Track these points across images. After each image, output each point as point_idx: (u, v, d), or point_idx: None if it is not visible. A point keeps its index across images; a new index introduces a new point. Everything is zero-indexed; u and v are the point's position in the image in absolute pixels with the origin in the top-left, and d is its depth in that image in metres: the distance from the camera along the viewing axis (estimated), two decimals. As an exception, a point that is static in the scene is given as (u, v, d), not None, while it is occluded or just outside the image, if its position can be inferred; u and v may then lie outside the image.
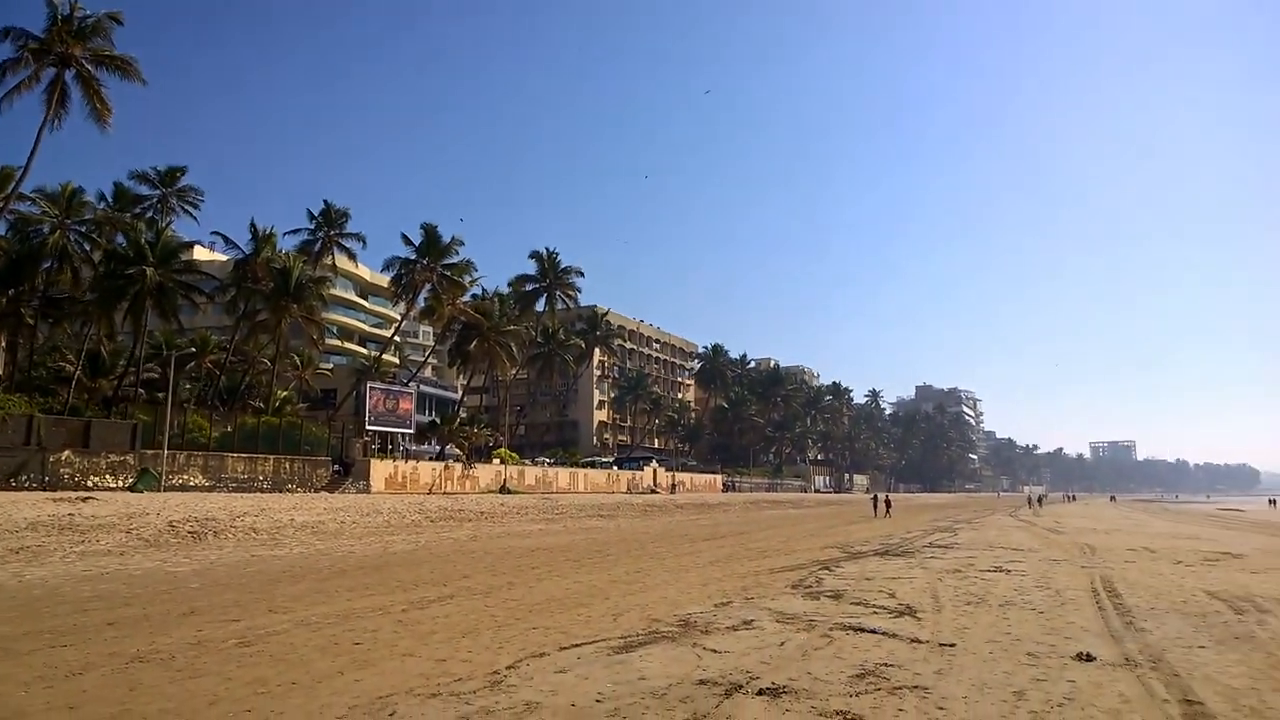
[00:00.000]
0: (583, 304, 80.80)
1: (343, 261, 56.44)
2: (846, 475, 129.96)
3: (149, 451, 33.12)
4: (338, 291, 69.39)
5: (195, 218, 49.46)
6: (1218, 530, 33.77)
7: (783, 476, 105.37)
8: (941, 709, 5.76)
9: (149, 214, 46.04)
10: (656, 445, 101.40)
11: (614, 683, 6.42)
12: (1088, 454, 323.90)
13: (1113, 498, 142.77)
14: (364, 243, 55.13)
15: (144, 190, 46.64)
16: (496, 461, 55.37)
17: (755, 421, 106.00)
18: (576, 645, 7.91)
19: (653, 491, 65.65)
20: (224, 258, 52.59)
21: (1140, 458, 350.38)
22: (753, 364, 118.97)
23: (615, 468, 70.76)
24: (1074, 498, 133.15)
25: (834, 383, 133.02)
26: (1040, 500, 77.83)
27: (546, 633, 8.61)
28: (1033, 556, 18.73)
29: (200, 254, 58.89)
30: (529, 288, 69.91)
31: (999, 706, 5.84)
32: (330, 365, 67.15)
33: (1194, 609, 10.64)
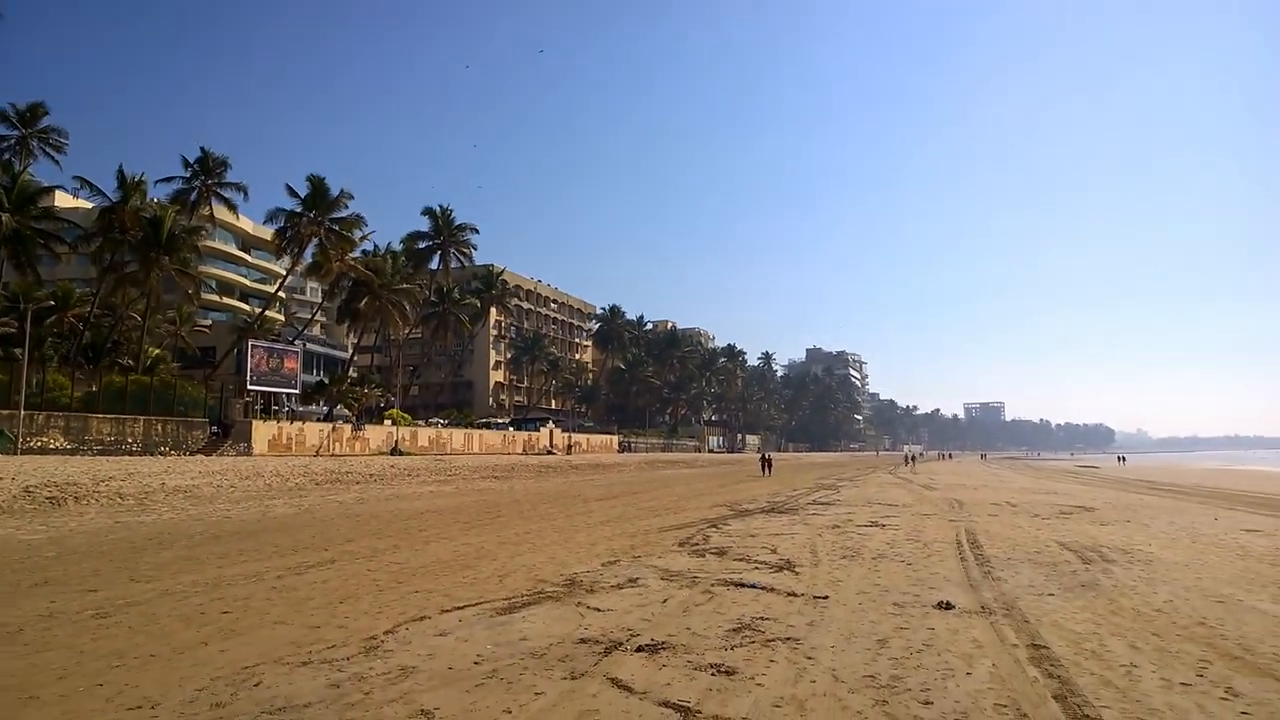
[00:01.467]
0: (479, 263, 79.47)
1: (222, 213, 53.74)
2: (739, 436, 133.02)
3: (3, 412, 30.97)
4: (216, 244, 65.99)
5: (58, 161, 46.13)
6: (1074, 485, 36.24)
7: (678, 437, 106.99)
8: (810, 658, 6.03)
9: (5, 156, 42.59)
10: (553, 406, 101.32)
11: (494, 644, 6.45)
12: (962, 415, 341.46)
13: (983, 456, 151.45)
14: (245, 194, 52.51)
15: (0, 130, 43.06)
16: (388, 423, 54.21)
17: (652, 383, 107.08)
18: (459, 608, 7.89)
19: (549, 452, 65.67)
20: (90, 205, 49.07)
21: (1008, 418, 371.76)
22: (650, 326, 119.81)
23: (511, 429, 70.32)
24: (949, 456, 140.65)
25: (729, 345, 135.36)
26: (914, 459, 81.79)
27: (429, 596, 8.55)
28: (906, 512, 19.67)
29: (62, 200, 54.74)
30: (422, 245, 68.17)
31: (863, 655, 6.15)
32: (209, 322, 64.05)
33: (1046, 559, 11.42)
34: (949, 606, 7.93)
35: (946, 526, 16.02)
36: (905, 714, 4.84)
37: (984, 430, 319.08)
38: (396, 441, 50.51)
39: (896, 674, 5.63)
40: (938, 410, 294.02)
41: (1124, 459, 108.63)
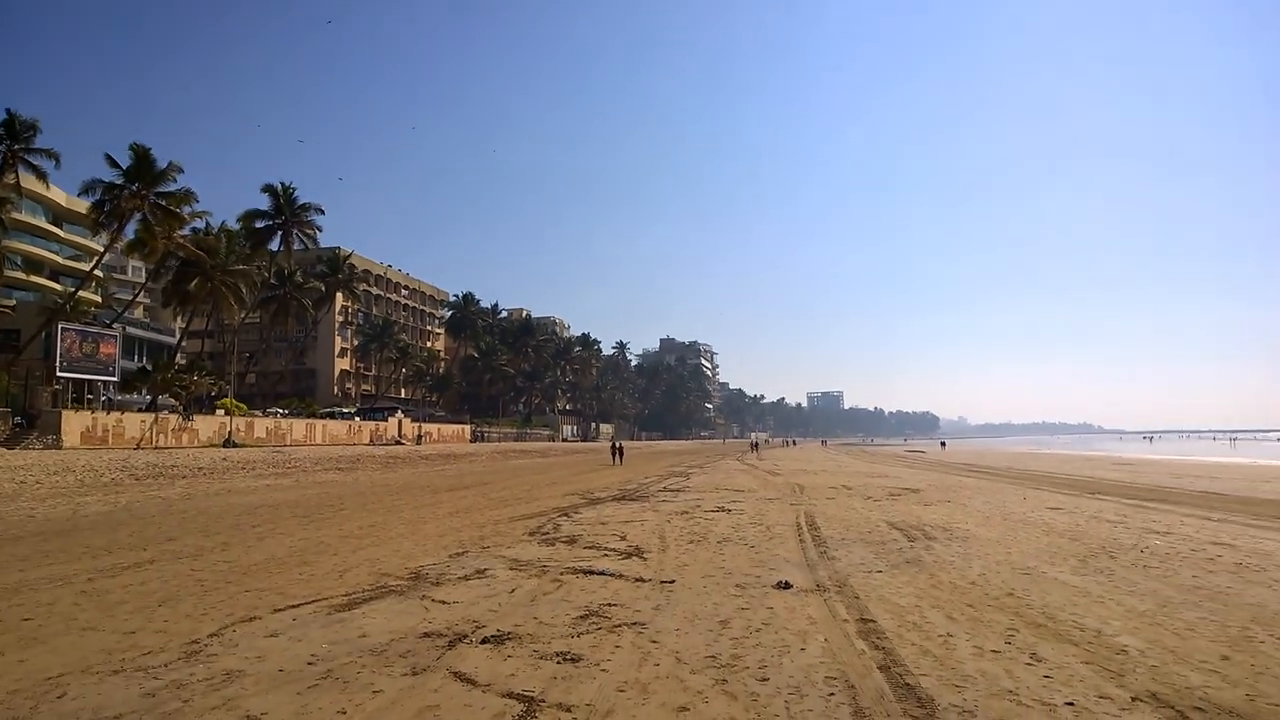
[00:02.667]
0: (325, 245, 75.98)
1: (30, 182, 48.71)
2: (594, 424, 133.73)
3: None
4: (23, 216, 59.84)
5: None
6: (903, 469, 38.61)
7: (532, 426, 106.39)
8: (655, 642, 6.15)
9: None
10: (403, 395, 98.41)
11: (330, 643, 6.20)
12: (805, 403, 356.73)
13: (824, 442, 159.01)
14: (58, 161, 47.73)
15: None
16: (221, 413, 50.99)
17: (506, 371, 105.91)
18: (294, 606, 7.53)
19: (397, 443, 63.74)
20: None
21: (847, 406, 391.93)
22: (505, 314, 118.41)
23: (357, 418, 67.73)
24: (793, 442, 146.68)
25: (584, 334, 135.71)
26: (757, 446, 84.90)
27: (260, 595, 8.12)
28: (751, 497, 20.37)
29: None
30: (261, 224, 64.43)
31: (705, 636, 6.33)
32: (13, 302, 58.13)
33: (876, 539, 12.11)
34: (787, 586, 8.28)
35: (788, 510, 16.69)
36: (743, 691, 5.02)
37: (825, 418, 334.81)
38: (230, 433, 47.65)
39: (736, 653, 5.84)
40: (783, 399, 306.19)
41: (945, 444, 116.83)
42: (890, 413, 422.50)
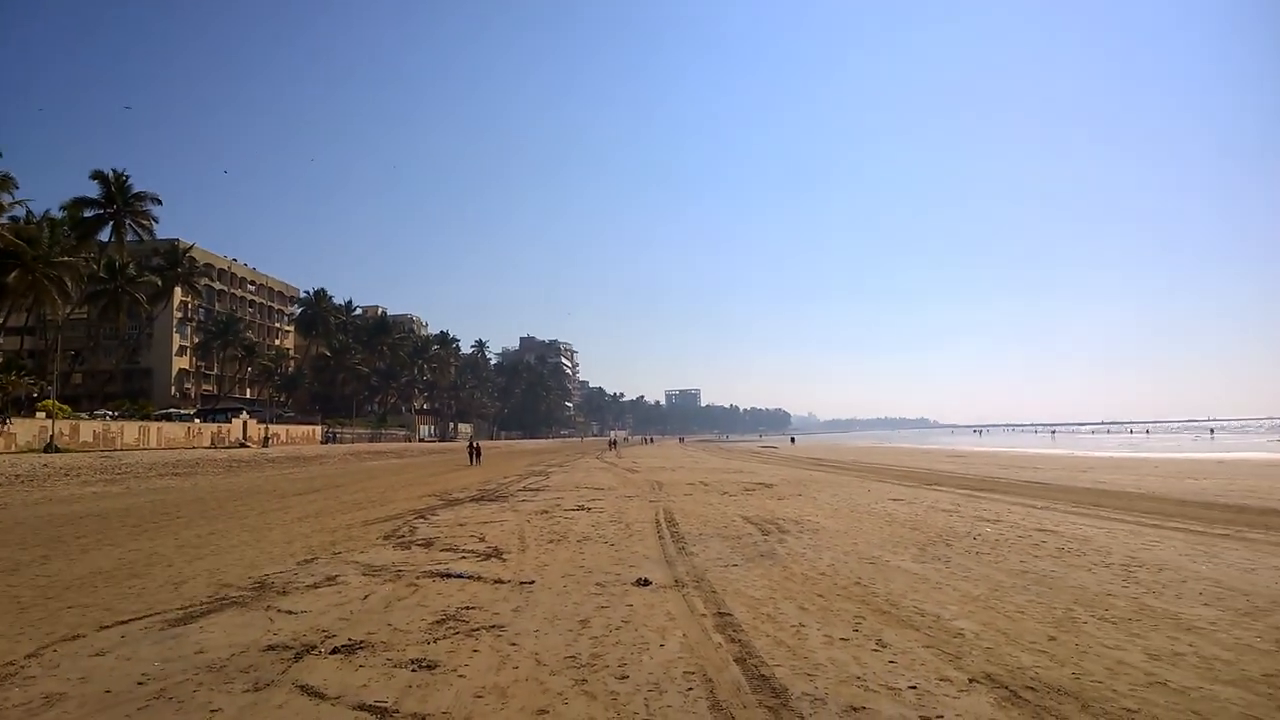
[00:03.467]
0: (163, 237, 70.90)
1: None
2: (452, 424, 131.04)
3: None
4: None
5: None
6: (757, 465, 39.81)
7: (387, 426, 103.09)
8: (514, 644, 6.04)
9: None
10: (249, 395, 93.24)
11: (164, 660, 5.76)
12: (663, 401, 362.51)
13: (681, 439, 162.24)
14: None
15: None
16: (41, 415, 46.71)
17: (360, 370, 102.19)
18: (123, 622, 6.95)
19: (242, 445, 60.34)
20: None
21: (704, 404, 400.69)
22: (359, 311, 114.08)
23: (197, 420, 63.61)
24: (651, 440, 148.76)
25: (442, 332, 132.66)
26: (615, 444, 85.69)
27: (85, 611, 7.45)
28: (611, 495, 20.46)
29: None
30: (90, 213, 59.48)
31: (565, 636, 6.28)
32: None
33: (732, 533, 12.40)
34: (647, 583, 8.34)
35: (647, 507, 16.86)
36: (603, 690, 5.00)
37: (683, 415, 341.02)
38: (52, 436, 43.71)
39: (597, 652, 5.81)
40: (642, 397, 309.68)
41: (795, 439, 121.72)
42: (745, 410, 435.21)
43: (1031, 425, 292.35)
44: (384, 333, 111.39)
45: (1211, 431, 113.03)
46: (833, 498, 18.53)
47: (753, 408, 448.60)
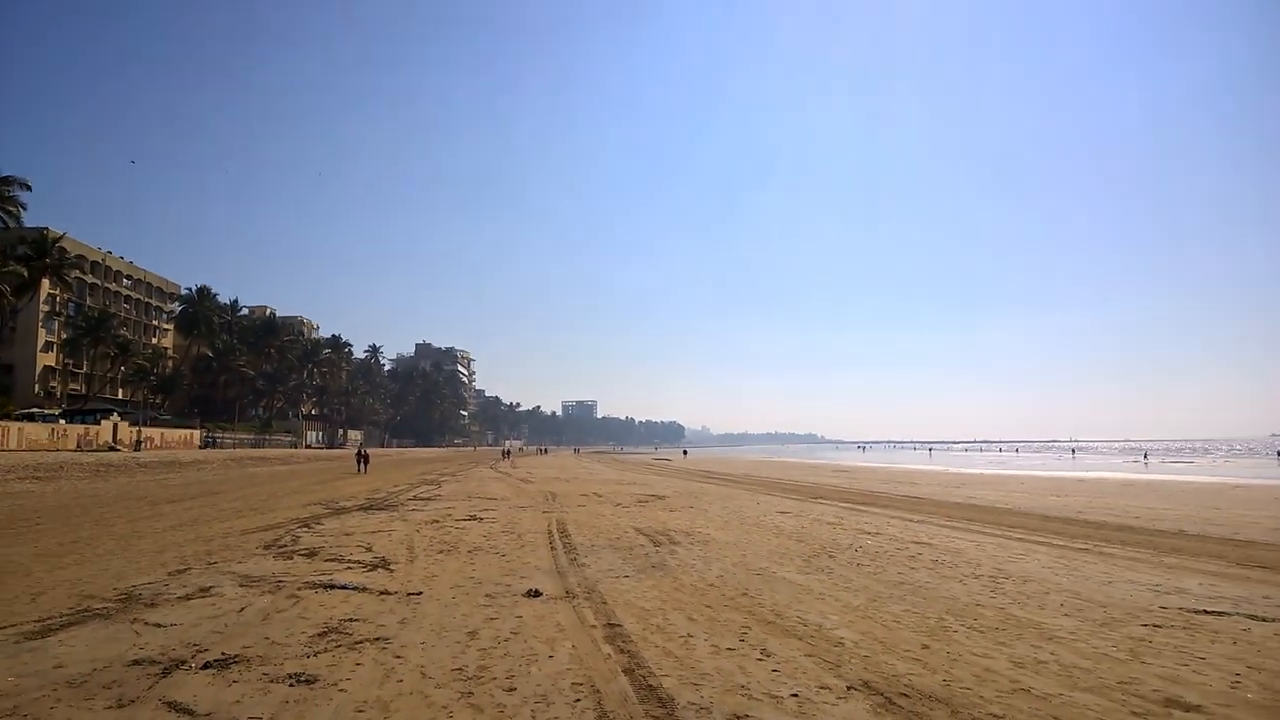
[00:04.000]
0: (31, 225, 66.22)
1: None
2: (341, 431, 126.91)
3: None
4: None
5: None
6: (651, 476, 40.11)
7: (272, 432, 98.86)
8: (399, 657, 5.91)
9: None
10: (121, 396, 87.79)
11: (18, 675, 5.39)
12: (560, 412, 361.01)
13: (577, 450, 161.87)
14: None
15: None
16: (-124, 411, 42.89)
17: (244, 373, 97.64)
18: (-31, 636, 6.46)
19: (112, 449, 56.76)
20: None
21: (600, 415, 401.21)
22: (246, 311, 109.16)
23: (63, 421, 59.50)
24: (545, 450, 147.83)
25: (334, 335, 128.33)
26: (509, 454, 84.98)
27: (-75, 625, 6.89)
28: (504, 505, 20.24)
29: None
30: (-54, 199, 55.08)
31: (452, 648, 6.18)
32: None
33: (625, 544, 12.47)
34: (538, 594, 8.29)
35: (540, 518, 16.76)
36: (490, 703, 4.94)
37: (579, 426, 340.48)
38: (-112, 435, 40.19)
39: (484, 664, 5.75)
40: (539, 407, 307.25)
41: (687, 452, 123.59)
42: (640, 422, 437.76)
43: (911, 442, 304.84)
44: (272, 334, 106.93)
45: (1073, 451, 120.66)
46: (723, 510, 18.84)
47: (648, 420, 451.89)
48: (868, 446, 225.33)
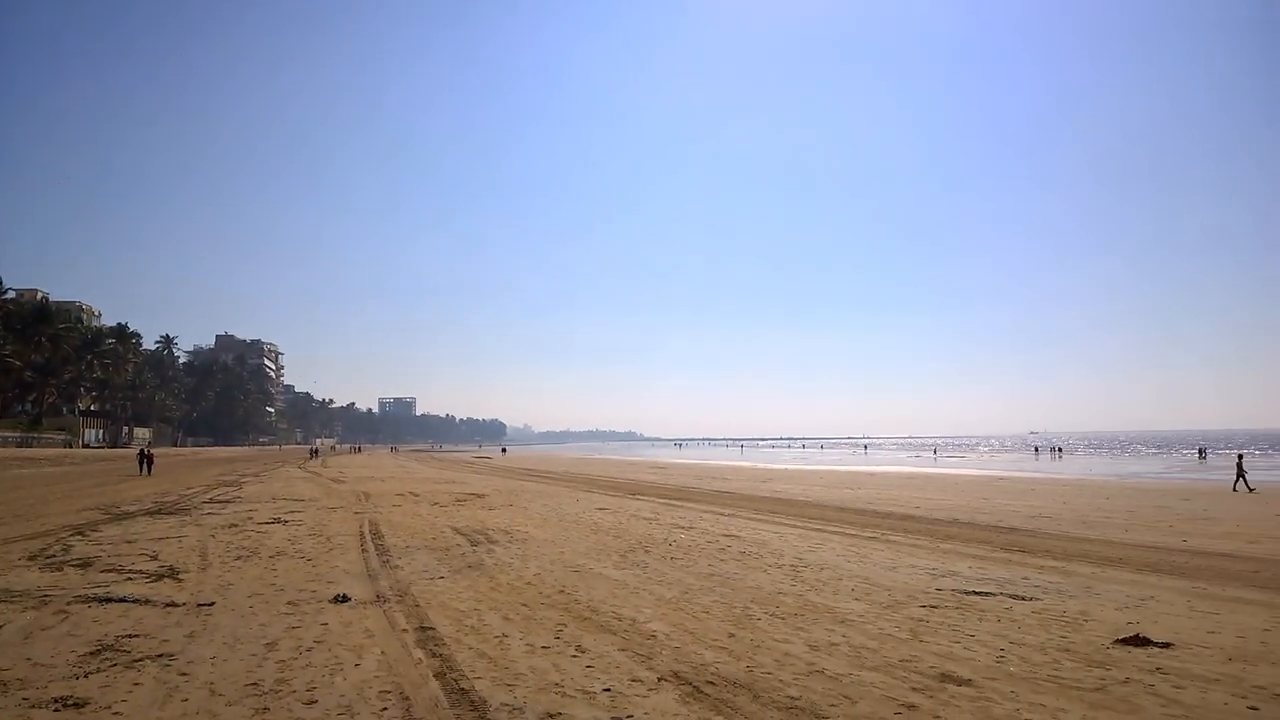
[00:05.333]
0: None
1: None
2: (126, 428, 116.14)
3: None
4: None
5: None
6: (471, 475, 39.50)
7: (43, 430, 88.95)
8: (184, 675, 5.47)
9: None
10: None
11: None
12: (376, 409, 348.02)
13: (394, 449, 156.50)
14: None
15: None
16: None
17: (10, 364, 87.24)
18: None
19: None
20: None
21: (419, 413, 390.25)
22: (12, 294, 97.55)
23: None
24: (360, 449, 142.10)
25: (120, 325, 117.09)
26: (318, 453, 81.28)
27: None
28: (313, 506, 19.28)
29: None
30: None
31: (247, 662, 5.80)
32: None
33: (441, 544, 12.21)
34: (345, 599, 7.95)
35: (352, 519, 16.10)
36: (287, 717, 4.68)
37: (396, 424, 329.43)
38: None
39: (283, 677, 5.43)
40: (353, 404, 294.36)
41: (506, 449, 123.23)
42: (461, 420, 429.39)
43: (724, 439, 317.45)
44: (44, 322, 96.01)
45: (865, 447, 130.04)
46: (543, 508, 18.85)
47: (470, 418, 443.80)
48: (683, 444, 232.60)
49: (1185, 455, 72.02)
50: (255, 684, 5.29)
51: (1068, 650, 6.15)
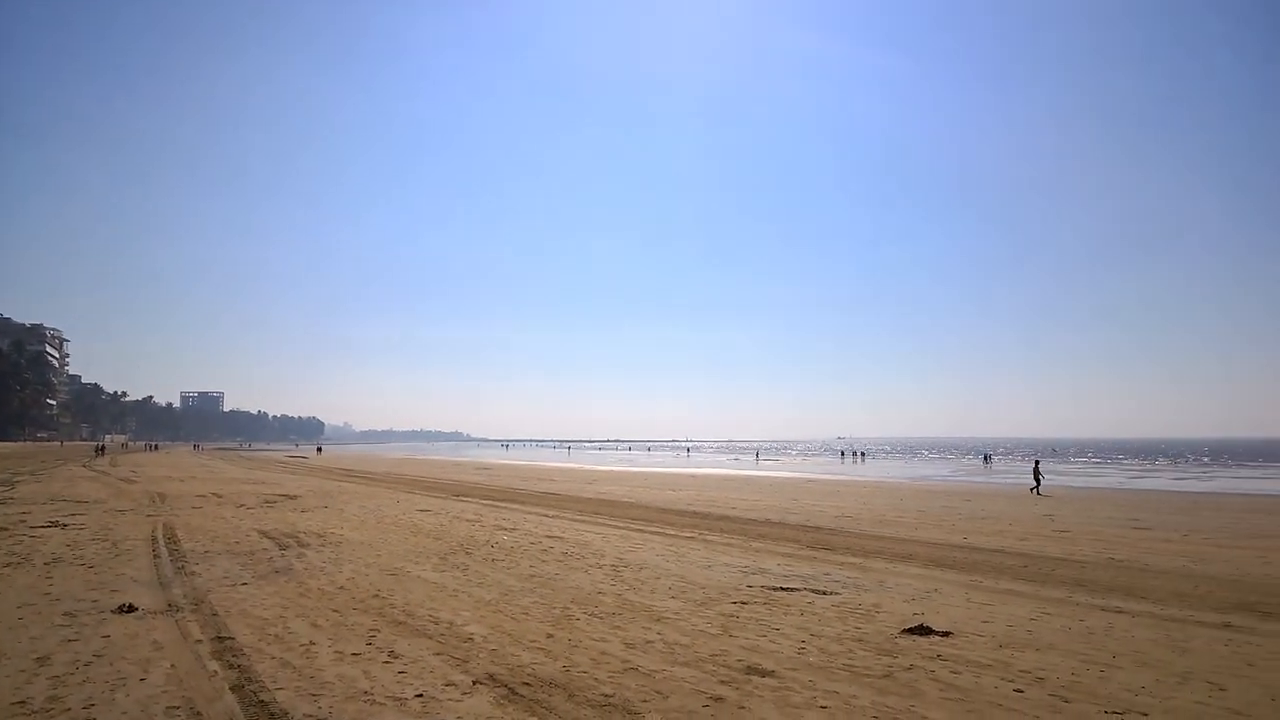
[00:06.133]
0: None
1: None
2: None
3: None
4: None
5: None
6: (283, 475, 37.38)
7: None
8: (-64, 697, 4.88)
9: None
10: None
11: None
12: (178, 403, 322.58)
13: (196, 446, 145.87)
14: None
15: None
16: None
17: None
18: None
19: None
20: None
21: (228, 409, 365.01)
22: None
23: None
24: (156, 447, 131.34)
25: None
26: (104, 449, 74.82)
27: None
28: (98, 508, 17.62)
29: None
30: None
31: (14, 679, 5.25)
32: None
33: (245, 549, 11.50)
34: (131, 609, 7.33)
35: (144, 522, 14.86)
36: (61, 739, 4.28)
37: (202, 420, 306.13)
38: None
39: (56, 694, 4.96)
40: (151, 398, 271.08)
41: (321, 449, 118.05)
42: (275, 417, 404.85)
43: (552, 441, 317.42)
44: None
45: (688, 450, 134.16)
46: (361, 510, 18.15)
47: (284, 415, 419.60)
48: (510, 445, 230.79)
49: (971, 461, 78.89)
50: (23, 702, 4.80)
51: (861, 640, 6.62)
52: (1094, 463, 72.48)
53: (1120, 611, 7.98)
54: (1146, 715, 4.82)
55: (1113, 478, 45.47)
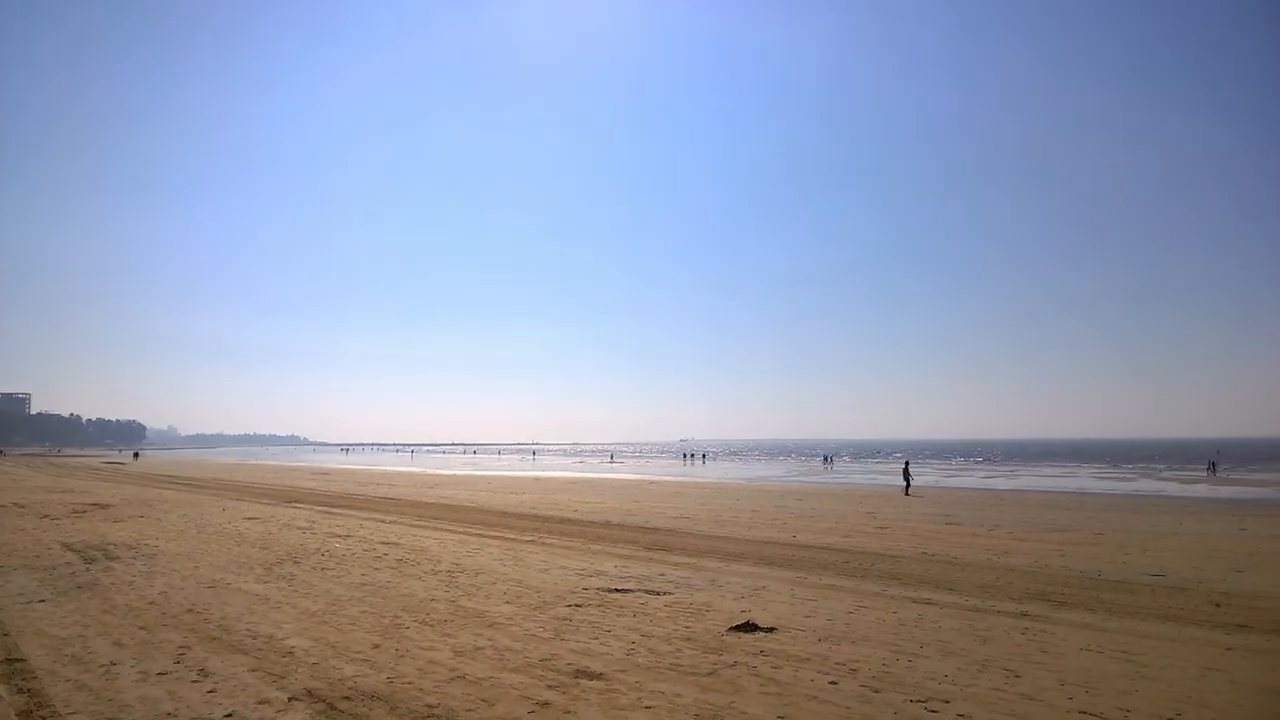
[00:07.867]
0: None
1: None
2: None
3: None
4: None
5: None
6: (96, 483, 34.56)
7: None
8: None
9: None
10: None
11: None
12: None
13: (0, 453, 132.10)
14: None
15: None
16: None
17: None
18: None
19: None
20: None
21: (35, 412, 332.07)
22: None
23: None
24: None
25: None
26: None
27: None
28: None
29: None
30: None
31: None
32: None
33: (46, 563, 10.62)
34: (-98, 635, 6.64)
35: (-78, 537, 13.40)
36: None
37: (6, 424, 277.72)
38: None
39: None
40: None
41: (139, 454, 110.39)
42: (89, 420, 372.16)
43: (395, 445, 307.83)
44: None
45: (534, 453, 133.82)
46: (181, 518, 17.06)
47: (100, 419, 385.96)
48: (350, 449, 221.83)
49: (811, 461, 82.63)
50: None
51: (690, 639, 6.86)
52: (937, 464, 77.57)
53: (930, 603, 8.63)
54: (949, 703, 5.23)
55: (930, 476, 48.80)
